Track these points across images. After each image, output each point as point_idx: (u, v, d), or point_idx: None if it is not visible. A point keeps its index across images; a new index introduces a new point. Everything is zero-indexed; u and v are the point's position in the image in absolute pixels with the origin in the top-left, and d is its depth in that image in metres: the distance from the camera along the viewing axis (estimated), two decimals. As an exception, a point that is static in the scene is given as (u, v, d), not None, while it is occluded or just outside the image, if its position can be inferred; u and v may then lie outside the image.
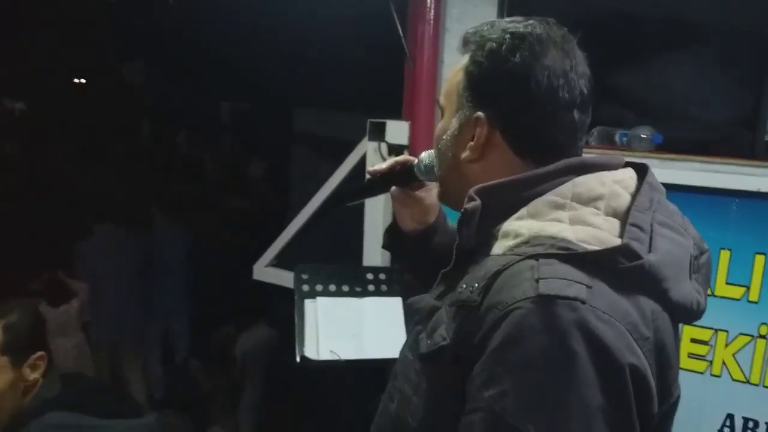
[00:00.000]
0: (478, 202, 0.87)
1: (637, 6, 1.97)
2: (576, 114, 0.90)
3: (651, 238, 0.83)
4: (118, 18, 4.52)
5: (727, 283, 1.69)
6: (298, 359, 1.87)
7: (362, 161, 2.38)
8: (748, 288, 1.67)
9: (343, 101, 2.96)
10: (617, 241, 0.82)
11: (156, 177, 4.95)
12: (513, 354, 0.75)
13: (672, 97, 1.97)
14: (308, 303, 1.96)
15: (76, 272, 3.75)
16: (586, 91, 0.91)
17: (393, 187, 1.23)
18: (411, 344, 0.93)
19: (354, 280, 1.97)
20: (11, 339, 1.62)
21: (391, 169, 1.21)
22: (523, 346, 0.74)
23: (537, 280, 0.76)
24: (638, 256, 0.80)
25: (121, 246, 3.92)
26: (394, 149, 2.27)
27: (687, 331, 1.74)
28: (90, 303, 3.71)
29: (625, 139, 1.91)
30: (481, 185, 0.89)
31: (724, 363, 1.71)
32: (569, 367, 0.73)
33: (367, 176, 1.26)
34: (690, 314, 0.90)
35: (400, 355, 0.99)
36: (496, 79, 0.91)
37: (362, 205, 2.36)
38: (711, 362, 1.72)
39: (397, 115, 2.27)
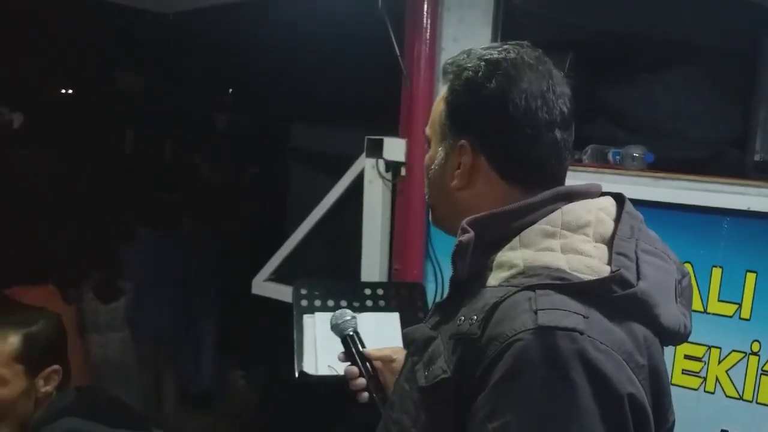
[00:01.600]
0: (471, 233, 0.87)
1: (626, 27, 1.98)
2: (558, 133, 0.91)
3: (638, 266, 0.84)
4: (117, 29, 4.54)
5: (719, 300, 1.69)
6: (296, 374, 1.86)
7: (360, 177, 2.39)
8: (740, 305, 1.66)
9: (342, 118, 2.97)
10: (608, 269, 0.83)
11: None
12: (515, 386, 0.75)
13: (662, 116, 1.98)
14: (307, 318, 1.95)
15: (123, 272, 3.98)
16: (566, 110, 0.92)
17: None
18: (407, 375, 0.93)
19: (352, 296, 1.96)
20: (29, 349, 1.65)
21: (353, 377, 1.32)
22: (525, 378, 0.74)
23: (535, 312, 0.76)
24: (631, 284, 0.81)
25: (161, 248, 4.11)
26: (391, 165, 2.28)
27: (680, 348, 1.73)
28: (134, 301, 3.93)
29: (618, 157, 1.91)
30: (473, 217, 0.89)
31: (717, 379, 1.70)
32: (571, 398, 0.73)
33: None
34: (678, 337, 0.91)
35: (395, 385, 0.99)
36: (475, 106, 0.92)
37: (360, 221, 2.37)
38: (705, 379, 1.72)
39: (394, 132, 2.28)
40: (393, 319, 1.94)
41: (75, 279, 3.67)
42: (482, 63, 0.92)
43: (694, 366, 1.73)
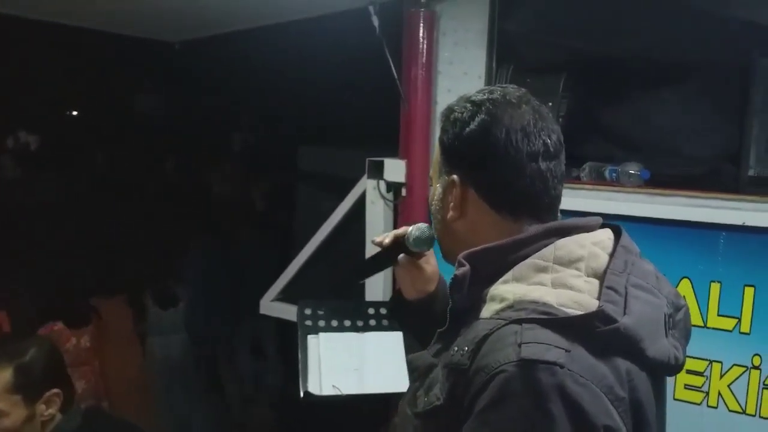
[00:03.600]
0: (467, 267, 0.90)
1: (620, 48, 1.98)
2: (542, 163, 0.94)
3: (626, 300, 0.85)
4: (129, 54, 4.66)
5: (719, 315, 1.67)
6: (301, 394, 1.85)
7: (362, 197, 2.39)
8: (740, 319, 1.64)
9: (344, 140, 3.00)
10: (596, 303, 0.84)
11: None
12: (497, 415, 0.77)
13: (658, 133, 1.97)
14: (311, 338, 1.93)
15: (180, 280, 4.27)
16: (549, 142, 0.95)
17: (400, 256, 1.25)
18: (409, 400, 0.96)
19: (356, 315, 1.96)
20: (23, 379, 1.67)
21: (395, 242, 1.24)
22: (507, 408, 0.76)
23: (519, 345, 0.78)
24: (613, 320, 0.82)
25: (216, 256, 4.32)
26: (392, 186, 2.29)
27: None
28: (190, 306, 4.18)
29: (614, 175, 1.91)
30: (469, 251, 0.92)
31: (720, 394, 1.68)
32: (549, 429, 0.75)
33: (378, 247, 1.28)
34: (669, 369, 0.91)
35: (399, 409, 1.01)
36: (461, 142, 0.97)
37: (363, 241, 2.36)
38: (707, 393, 1.69)
39: (394, 154, 2.29)
40: (396, 338, 1.92)
41: (140, 289, 4.06)
42: (468, 104, 0.97)
43: (696, 381, 1.71)
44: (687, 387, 1.72)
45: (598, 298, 0.85)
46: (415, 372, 0.97)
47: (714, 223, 1.66)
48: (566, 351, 0.78)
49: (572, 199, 1.87)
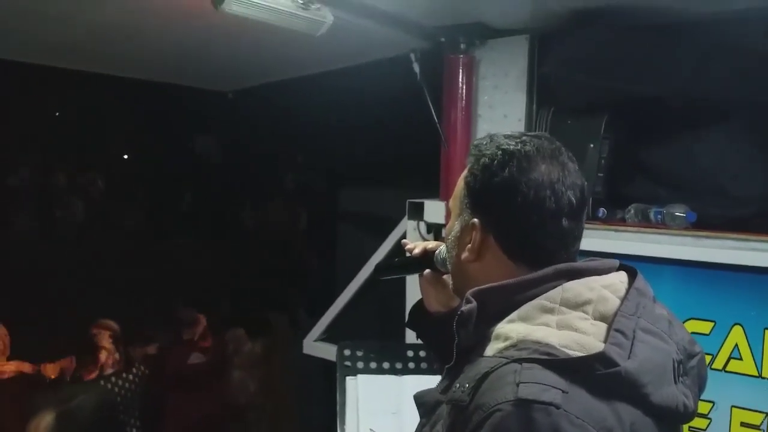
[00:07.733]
0: (474, 304, 0.90)
1: (661, 87, 1.93)
2: (564, 222, 0.93)
3: (632, 344, 0.83)
4: (187, 103, 4.97)
5: (775, 364, 1.55)
6: (338, 438, 1.81)
7: (402, 238, 2.38)
8: (798, 369, 1.53)
9: (386, 182, 3.02)
10: (601, 346, 0.82)
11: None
12: None
13: (703, 173, 1.89)
14: (349, 380, 1.91)
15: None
16: (575, 201, 0.94)
17: (426, 270, 1.24)
18: None
19: (395, 358, 1.92)
20: (65, 425, 1.66)
21: (423, 254, 1.23)
22: None
23: (518, 384, 0.78)
24: (615, 364, 0.80)
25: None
26: (432, 227, 2.26)
27: (737, 415, 1.59)
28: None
29: (660, 216, 1.83)
30: (477, 288, 0.92)
31: (778, 449, 1.55)
32: None
33: (407, 252, 1.29)
34: (678, 416, 0.88)
35: None
36: (488, 191, 0.96)
37: (404, 283, 2.33)
38: (765, 449, 1.56)
39: (435, 195, 2.27)
40: (435, 381, 1.87)
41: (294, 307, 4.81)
42: (499, 152, 0.95)
43: (753, 435, 1.58)
44: (743, 441, 1.59)
45: (605, 341, 0.83)
46: (421, 408, 0.97)
47: (766, 267, 1.56)
48: (563, 392, 0.77)
49: (616, 242, 1.82)
